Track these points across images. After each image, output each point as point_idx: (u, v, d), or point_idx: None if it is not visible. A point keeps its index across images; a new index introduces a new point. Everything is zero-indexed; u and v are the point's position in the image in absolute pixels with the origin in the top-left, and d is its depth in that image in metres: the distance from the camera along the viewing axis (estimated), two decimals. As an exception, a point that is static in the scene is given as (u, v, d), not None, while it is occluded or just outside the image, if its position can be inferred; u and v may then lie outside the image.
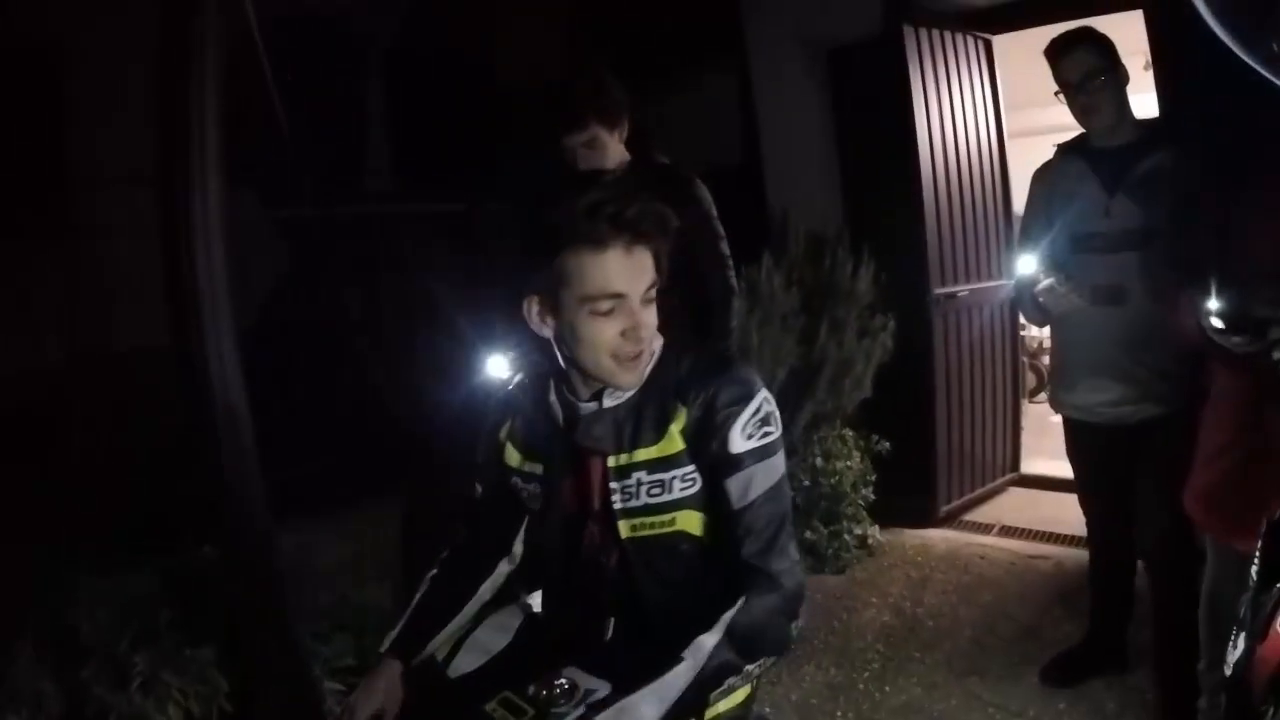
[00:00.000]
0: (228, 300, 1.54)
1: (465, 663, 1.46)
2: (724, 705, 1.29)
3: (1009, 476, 4.23)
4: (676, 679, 1.17)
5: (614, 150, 2.42)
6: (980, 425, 4.01)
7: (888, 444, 3.60)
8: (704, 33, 4.01)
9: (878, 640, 2.94)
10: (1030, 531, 3.70)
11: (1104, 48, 2.21)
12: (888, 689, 2.65)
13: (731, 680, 1.21)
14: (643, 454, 1.29)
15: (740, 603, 1.22)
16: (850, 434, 3.56)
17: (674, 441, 1.28)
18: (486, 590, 1.53)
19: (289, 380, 2.92)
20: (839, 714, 2.54)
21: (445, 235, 3.63)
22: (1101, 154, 2.27)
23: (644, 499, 1.29)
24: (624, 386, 1.29)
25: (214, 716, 2.08)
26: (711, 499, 1.29)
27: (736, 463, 1.25)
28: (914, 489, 3.77)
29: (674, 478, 1.28)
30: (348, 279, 3.33)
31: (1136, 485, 2.35)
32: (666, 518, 1.30)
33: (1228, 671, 1.28)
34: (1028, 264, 2.28)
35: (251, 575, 1.72)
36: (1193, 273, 1.67)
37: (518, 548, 1.56)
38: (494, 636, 1.49)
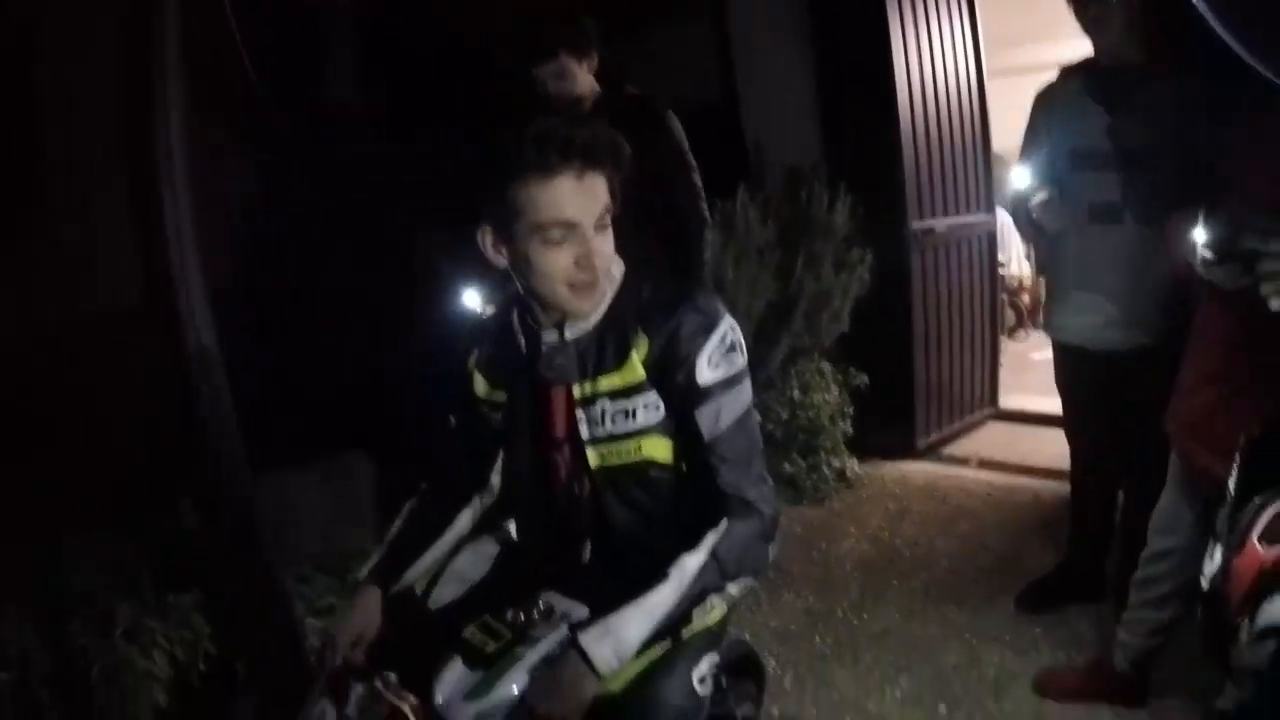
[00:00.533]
0: (195, 244, 1.51)
1: (445, 593, 1.47)
2: (699, 625, 1.31)
3: (987, 411, 4.26)
4: (662, 598, 1.20)
5: (583, 80, 2.41)
6: (959, 359, 4.02)
7: (866, 378, 3.61)
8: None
9: (856, 569, 2.99)
10: (1008, 464, 3.73)
11: None
12: (866, 616, 2.70)
13: (713, 598, 1.24)
14: (605, 382, 1.29)
15: (722, 525, 1.24)
16: (828, 367, 3.57)
17: (635, 369, 1.28)
18: (464, 522, 1.54)
19: (271, 328, 2.89)
20: (818, 640, 2.59)
21: (419, 178, 3.58)
22: (1106, 74, 2.21)
23: (609, 427, 1.30)
24: (580, 314, 1.29)
25: (199, 661, 2.10)
26: (682, 429, 1.29)
27: (705, 394, 1.25)
28: (893, 422, 3.81)
29: (637, 406, 1.28)
30: (325, 222, 3.27)
31: (1124, 415, 2.33)
32: (632, 444, 1.30)
33: (1204, 585, 1.31)
34: (1023, 177, 2.25)
35: (230, 520, 1.71)
36: (1183, 201, 1.65)
37: (494, 479, 1.56)
38: (472, 566, 1.50)
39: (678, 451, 1.32)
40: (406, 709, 1.20)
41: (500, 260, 1.28)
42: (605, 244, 1.25)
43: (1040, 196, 2.17)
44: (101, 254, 2.85)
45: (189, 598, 2.13)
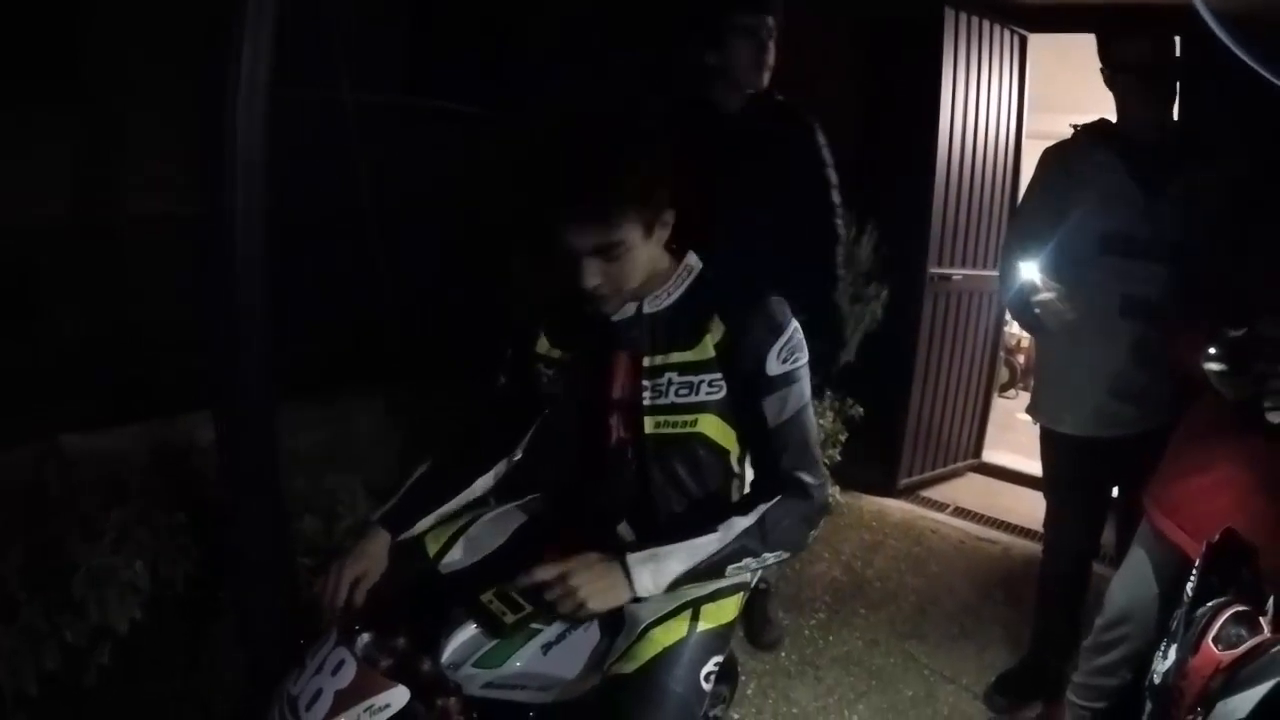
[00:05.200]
0: (262, 163, 1.53)
1: (459, 557, 1.50)
2: (714, 622, 1.38)
3: (969, 462, 4.35)
4: (706, 543, 1.30)
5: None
6: (951, 407, 4.11)
7: (861, 409, 3.67)
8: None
9: (826, 592, 3.06)
10: (983, 516, 3.83)
11: (1168, 33, 1.98)
12: (831, 639, 2.77)
13: (748, 561, 1.32)
14: (676, 357, 1.37)
15: (776, 499, 1.33)
16: (828, 393, 3.61)
17: (706, 349, 1.36)
18: (479, 487, 1.58)
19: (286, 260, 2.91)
20: (783, 654, 2.65)
21: (465, 136, 3.60)
22: (1139, 149, 2.02)
23: (671, 398, 1.37)
24: (609, 314, 1.38)
25: (180, 580, 2.11)
26: (748, 416, 1.37)
27: (771, 384, 1.34)
28: (879, 458, 3.88)
29: (702, 381, 1.37)
30: (364, 168, 3.28)
31: (1116, 495, 2.27)
32: (690, 418, 1.38)
33: (1156, 679, 1.36)
34: (1030, 270, 1.97)
35: (248, 440, 1.72)
36: (1205, 305, 1.64)
37: (518, 453, 1.61)
38: (491, 534, 1.54)
39: (728, 438, 1.40)
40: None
41: None
42: (610, 267, 1.29)
43: (1046, 296, 1.91)
44: (139, 159, 2.88)
45: (180, 515, 2.15)
